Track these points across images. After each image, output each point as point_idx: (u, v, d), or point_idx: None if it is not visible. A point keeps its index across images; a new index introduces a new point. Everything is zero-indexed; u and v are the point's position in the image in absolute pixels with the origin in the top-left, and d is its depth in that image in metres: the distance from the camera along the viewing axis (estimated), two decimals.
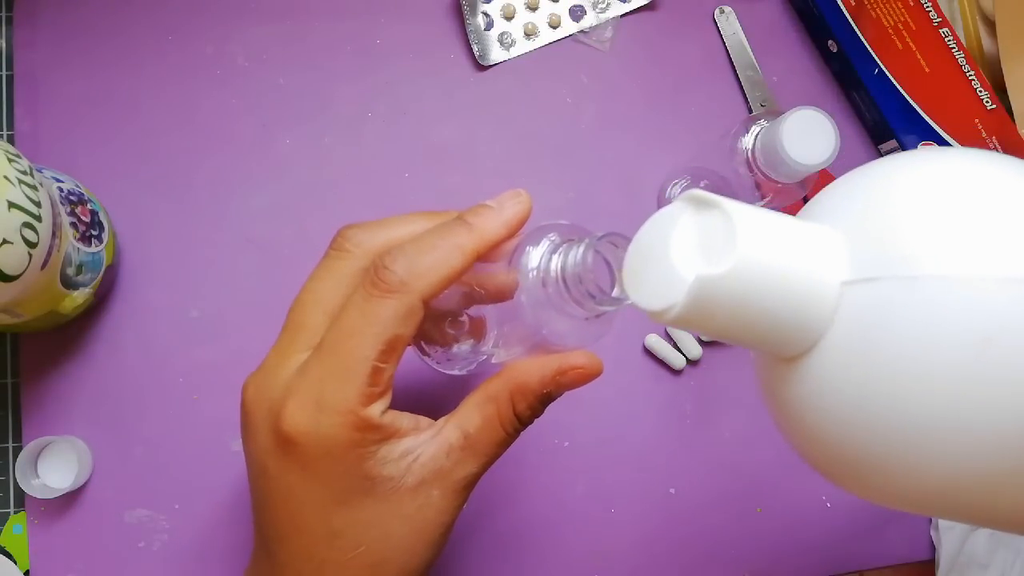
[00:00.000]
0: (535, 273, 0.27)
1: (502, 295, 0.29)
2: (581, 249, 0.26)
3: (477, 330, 0.30)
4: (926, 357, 0.19)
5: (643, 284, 0.22)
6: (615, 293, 0.26)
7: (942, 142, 0.44)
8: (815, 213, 0.23)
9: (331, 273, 0.30)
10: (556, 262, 0.26)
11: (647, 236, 0.23)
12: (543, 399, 0.29)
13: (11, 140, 0.44)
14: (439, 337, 0.31)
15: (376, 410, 0.27)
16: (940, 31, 0.45)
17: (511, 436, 0.29)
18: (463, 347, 0.30)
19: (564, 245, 0.27)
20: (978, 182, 0.21)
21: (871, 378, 0.20)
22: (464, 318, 0.31)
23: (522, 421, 0.29)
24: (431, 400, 0.34)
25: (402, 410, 0.29)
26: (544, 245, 0.27)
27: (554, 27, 0.46)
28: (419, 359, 0.32)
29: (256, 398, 0.29)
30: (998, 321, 0.19)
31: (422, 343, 0.31)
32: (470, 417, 0.29)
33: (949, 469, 0.20)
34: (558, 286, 0.26)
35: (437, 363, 0.32)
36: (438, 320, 0.31)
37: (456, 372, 0.32)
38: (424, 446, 0.28)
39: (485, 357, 0.31)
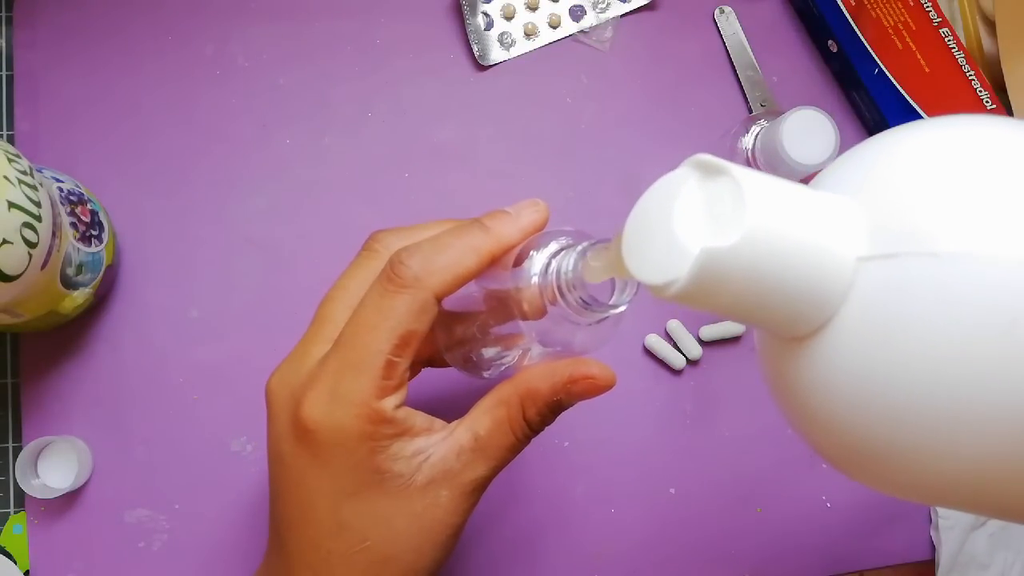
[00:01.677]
0: (536, 279, 0.27)
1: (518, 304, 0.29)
2: (573, 256, 0.25)
3: (503, 335, 0.30)
4: (949, 338, 0.18)
5: (643, 256, 0.20)
6: (612, 300, 0.25)
7: None
8: (831, 181, 0.22)
9: (359, 271, 0.30)
10: (552, 269, 0.26)
11: (649, 204, 0.21)
12: (553, 407, 0.29)
13: (11, 140, 0.44)
14: (465, 341, 0.31)
15: (389, 404, 0.27)
16: (940, 31, 0.45)
17: (521, 441, 0.29)
18: (489, 351, 0.30)
19: (561, 252, 0.26)
20: (1009, 153, 0.19)
21: (888, 360, 0.19)
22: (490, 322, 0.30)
23: (532, 427, 0.29)
24: (450, 404, 0.34)
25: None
26: (545, 252, 0.27)
27: (554, 27, 0.46)
28: (447, 363, 0.32)
29: (279, 386, 0.30)
30: None
31: (450, 347, 0.31)
32: (481, 420, 0.29)
33: (972, 457, 0.19)
34: (554, 293, 0.26)
35: (463, 367, 0.32)
36: (464, 324, 0.31)
37: (484, 376, 0.32)
38: (436, 446, 0.29)
39: (510, 362, 0.31)
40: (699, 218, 0.19)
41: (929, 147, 0.20)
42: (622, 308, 0.25)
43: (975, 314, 0.18)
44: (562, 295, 0.25)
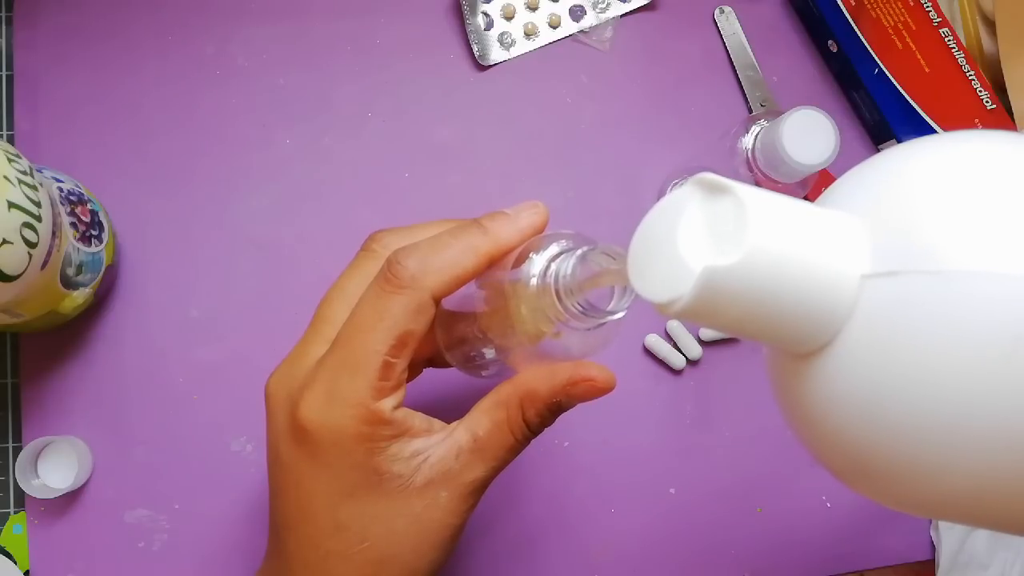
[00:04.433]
0: (534, 282, 0.27)
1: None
2: (572, 261, 0.25)
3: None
4: (953, 357, 0.18)
5: (648, 274, 0.21)
6: (610, 306, 0.25)
7: None
8: (835, 199, 0.22)
9: (358, 271, 0.30)
10: (551, 273, 0.26)
11: (654, 222, 0.21)
12: (552, 408, 0.29)
13: (11, 140, 0.44)
14: (466, 341, 0.31)
15: (387, 405, 0.27)
16: (940, 31, 0.45)
17: (520, 442, 0.29)
18: (489, 352, 0.30)
19: (560, 256, 0.26)
20: (1011, 172, 0.19)
21: (892, 377, 0.19)
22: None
23: (531, 428, 0.29)
24: (451, 404, 0.34)
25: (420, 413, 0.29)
26: (544, 255, 0.27)
27: (554, 27, 0.46)
28: (449, 363, 0.32)
29: (277, 387, 0.30)
30: None
31: (451, 347, 0.31)
32: (480, 421, 0.29)
33: (975, 474, 0.19)
34: (552, 298, 0.25)
35: (464, 367, 0.31)
36: (465, 324, 0.30)
37: (485, 376, 0.32)
38: (435, 447, 0.28)
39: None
40: (703, 236, 0.20)
41: (934, 166, 0.20)
42: (620, 314, 0.25)
43: (979, 333, 0.18)
44: (560, 300, 0.25)
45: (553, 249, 0.27)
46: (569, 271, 0.25)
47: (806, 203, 0.20)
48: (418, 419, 0.29)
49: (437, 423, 0.29)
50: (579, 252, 0.25)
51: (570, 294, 0.25)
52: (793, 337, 0.20)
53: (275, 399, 0.29)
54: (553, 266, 0.26)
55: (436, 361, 0.34)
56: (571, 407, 0.29)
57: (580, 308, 0.25)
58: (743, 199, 0.19)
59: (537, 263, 0.27)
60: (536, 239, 0.28)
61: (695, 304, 0.19)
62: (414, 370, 0.34)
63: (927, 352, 0.18)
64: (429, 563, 0.29)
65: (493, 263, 0.28)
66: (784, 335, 0.20)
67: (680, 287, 0.19)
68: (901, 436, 0.19)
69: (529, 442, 0.30)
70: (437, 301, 0.28)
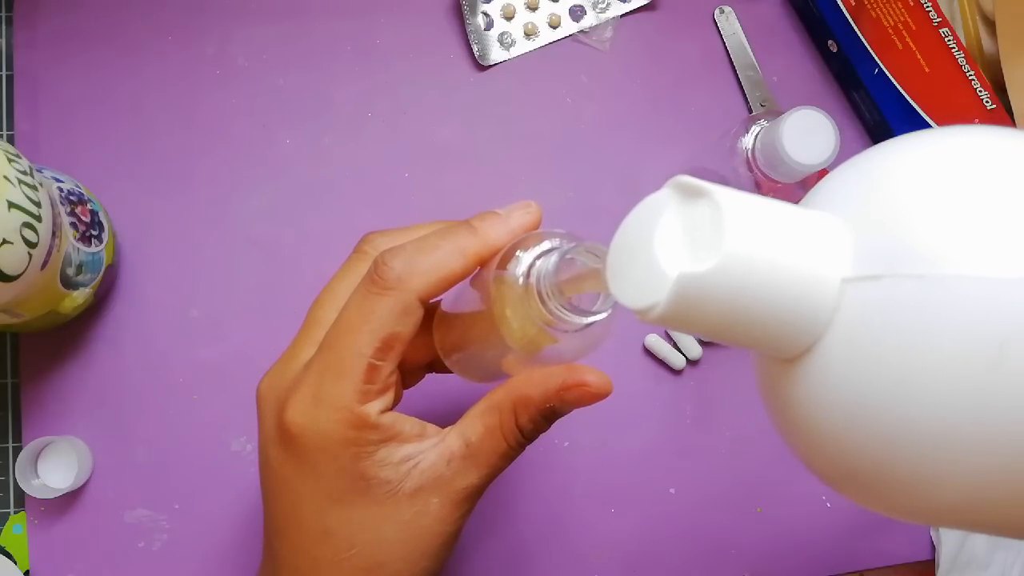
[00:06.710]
0: (519, 281, 0.26)
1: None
2: (553, 259, 0.24)
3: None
4: (935, 363, 0.18)
5: (626, 279, 0.20)
6: (595, 306, 0.24)
7: None
8: (819, 199, 0.21)
9: (349, 274, 0.30)
10: (534, 272, 0.25)
11: (631, 226, 0.21)
12: (546, 414, 0.28)
13: (11, 140, 0.44)
14: (461, 344, 0.30)
15: (373, 408, 0.27)
16: (940, 31, 0.45)
17: (513, 448, 0.29)
18: (483, 354, 0.30)
19: (544, 255, 0.25)
20: (996, 167, 0.19)
21: (875, 384, 0.18)
22: None
23: (525, 434, 0.28)
24: (451, 410, 0.33)
25: (418, 419, 0.29)
26: (531, 253, 0.26)
27: (554, 27, 0.46)
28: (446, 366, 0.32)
29: (267, 389, 0.29)
30: (1016, 325, 0.17)
31: (448, 351, 0.31)
32: (473, 426, 0.28)
33: (960, 479, 0.18)
34: (535, 300, 0.25)
35: (461, 370, 0.31)
36: (460, 327, 0.30)
37: (482, 381, 0.31)
38: (426, 453, 0.28)
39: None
40: (680, 241, 0.19)
41: (916, 165, 0.20)
42: (603, 315, 0.25)
43: (964, 339, 0.17)
44: (543, 302, 0.24)
45: (541, 247, 0.26)
46: (551, 270, 0.24)
47: (787, 205, 0.20)
48: (409, 424, 0.28)
49: (431, 428, 0.29)
50: (561, 250, 0.24)
51: (551, 296, 0.24)
52: (774, 342, 0.20)
53: (265, 402, 0.29)
54: (538, 264, 0.25)
55: (436, 366, 0.33)
56: (566, 412, 0.29)
57: (564, 309, 0.24)
58: (719, 203, 0.19)
59: (523, 262, 0.26)
60: (524, 238, 0.28)
61: (671, 311, 0.19)
62: (415, 375, 0.34)
63: (911, 358, 0.18)
64: (421, 571, 0.29)
65: (483, 264, 0.28)
66: (764, 340, 0.20)
67: (656, 294, 0.19)
68: (885, 443, 0.19)
69: (523, 448, 0.29)
70: (424, 303, 0.27)
